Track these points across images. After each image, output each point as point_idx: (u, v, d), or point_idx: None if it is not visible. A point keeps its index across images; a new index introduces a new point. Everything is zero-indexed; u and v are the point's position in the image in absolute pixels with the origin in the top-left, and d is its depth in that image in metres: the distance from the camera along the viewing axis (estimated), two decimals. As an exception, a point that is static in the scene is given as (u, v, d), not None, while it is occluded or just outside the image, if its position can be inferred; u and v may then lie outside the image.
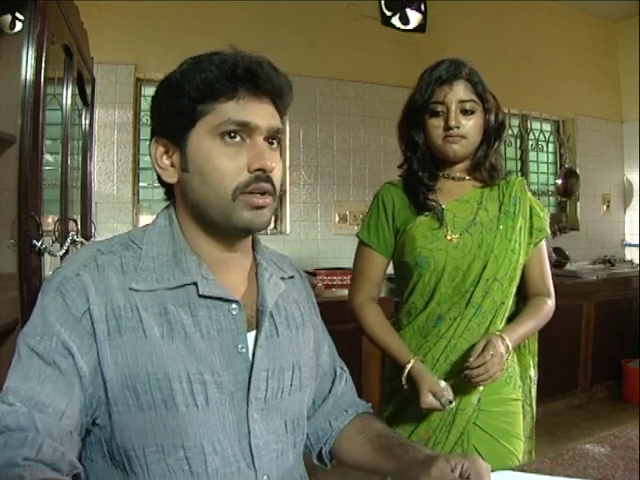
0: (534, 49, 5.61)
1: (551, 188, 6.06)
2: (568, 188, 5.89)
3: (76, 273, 1.01)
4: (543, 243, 1.89)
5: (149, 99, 3.66)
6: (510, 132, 5.74)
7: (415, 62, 4.94)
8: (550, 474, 1.29)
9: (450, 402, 1.61)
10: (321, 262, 4.38)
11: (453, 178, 1.84)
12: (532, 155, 5.99)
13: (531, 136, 5.92)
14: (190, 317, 1.04)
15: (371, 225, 1.92)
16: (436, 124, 1.77)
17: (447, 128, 1.73)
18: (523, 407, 1.93)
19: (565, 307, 4.76)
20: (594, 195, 6.09)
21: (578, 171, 5.95)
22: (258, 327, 1.13)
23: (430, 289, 1.78)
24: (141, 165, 4.29)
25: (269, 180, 1.06)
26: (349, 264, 4.49)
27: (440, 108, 1.76)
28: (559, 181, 5.92)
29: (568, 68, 5.86)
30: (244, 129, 1.04)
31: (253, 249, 1.22)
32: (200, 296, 1.06)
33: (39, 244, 1.88)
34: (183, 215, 1.12)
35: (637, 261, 5.91)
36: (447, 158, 1.79)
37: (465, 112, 1.75)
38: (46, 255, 2.00)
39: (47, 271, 2.08)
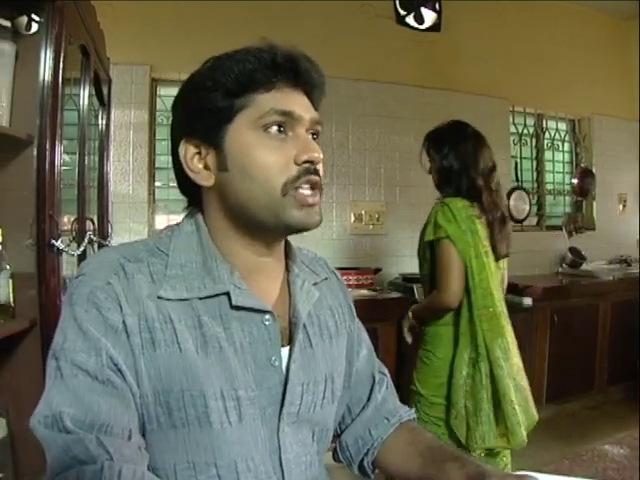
0: (549, 48, 5.58)
1: (567, 187, 6.03)
2: (584, 187, 5.85)
3: (107, 282, 0.94)
4: None
5: (165, 99, 3.65)
6: (526, 131, 5.72)
7: (430, 61, 4.95)
8: (569, 475, 1.28)
9: None
10: (336, 262, 4.33)
11: None
12: (548, 154, 5.95)
13: (547, 135, 5.89)
14: (223, 330, 0.98)
15: None
16: None
17: None
18: None
19: (581, 307, 4.75)
20: (610, 194, 6.05)
21: (594, 170, 5.91)
22: (291, 339, 1.07)
23: None
24: (157, 165, 4.31)
25: (317, 172, 1.00)
26: (365, 264, 4.54)
27: None
28: (575, 180, 5.89)
29: (584, 67, 5.82)
30: (287, 120, 0.99)
31: (285, 253, 1.16)
32: (233, 307, 1.00)
33: (57, 244, 1.89)
34: (215, 219, 1.05)
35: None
36: None
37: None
38: (63, 254, 2.01)
39: (64, 270, 2.09)
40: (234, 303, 0.99)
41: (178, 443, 0.95)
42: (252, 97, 0.97)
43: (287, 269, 1.15)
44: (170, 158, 1.11)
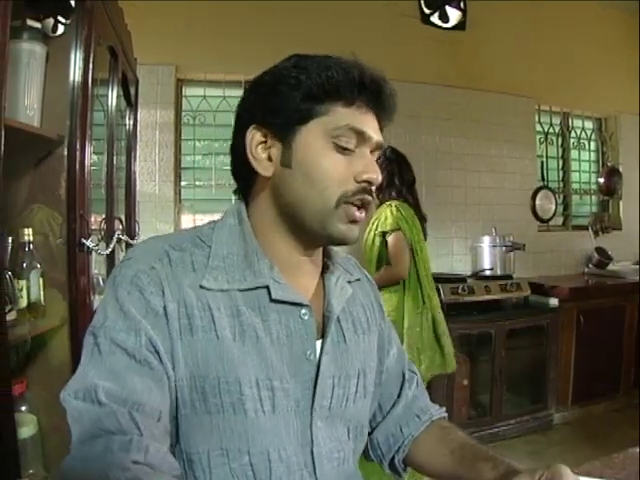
0: (575, 46, 5.54)
1: (593, 187, 5.97)
2: (610, 187, 5.80)
3: (151, 266, 0.97)
4: None
5: (190, 99, 3.69)
6: (552, 130, 5.67)
7: (455, 60, 4.93)
8: (601, 477, 1.27)
9: None
10: (362, 262, 4.31)
11: None
12: (574, 153, 5.89)
13: (573, 134, 5.83)
14: (261, 321, 1.00)
15: None
16: None
17: None
18: None
19: (607, 308, 4.71)
20: (637, 194, 5.96)
21: (621, 169, 5.85)
22: (325, 333, 1.09)
23: None
24: (183, 165, 4.33)
25: (372, 193, 1.04)
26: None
27: None
28: (601, 180, 5.83)
29: (610, 65, 5.77)
30: (358, 138, 1.02)
31: (323, 252, 1.18)
32: (272, 300, 1.02)
33: (88, 243, 1.91)
34: (260, 214, 1.08)
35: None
36: None
37: None
38: (92, 254, 2.03)
39: (93, 269, 2.11)
40: (273, 296, 1.01)
41: (212, 429, 0.96)
42: (332, 107, 1.00)
43: (323, 266, 1.17)
44: (231, 142, 1.12)
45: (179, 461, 0.96)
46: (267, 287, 1.02)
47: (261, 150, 1.04)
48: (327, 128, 1.00)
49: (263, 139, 1.04)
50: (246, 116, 1.07)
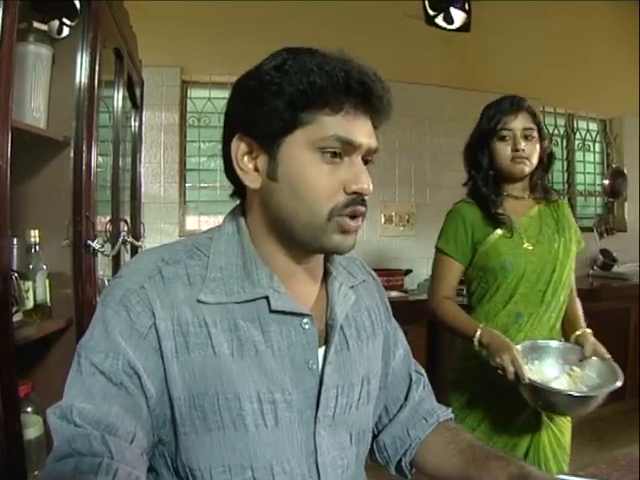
0: (579, 48, 5.52)
1: (598, 188, 5.95)
2: (615, 188, 5.77)
3: (141, 285, 0.94)
4: None
5: (195, 101, 3.67)
6: (556, 132, 5.67)
7: (460, 62, 4.92)
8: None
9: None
10: (367, 263, 4.28)
11: (516, 197, 2.16)
12: (579, 155, 5.90)
13: (577, 135, 5.83)
14: (260, 333, 0.98)
15: (452, 238, 2.16)
16: (504, 148, 2.09)
17: (514, 150, 2.07)
18: None
19: (612, 310, 4.68)
20: (642, 195, 5.97)
21: (625, 171, 5.82)
22: (327, 342, 1.06)
23: (511, 289, 2.08)
24: (187, 166, 4.35)
25: (364, 203, 0.98)
26: (395, 265, 4.54)
27: (507, 134, 2.08)
28: (606, 181, 5.81)
29: (615, 66, 5.75)
30: (347, 147, 0.95)
31: (324, 256, 1.13)
32: (272, 311, 0.99)
33: (93, 244, 1.91)
34: (256, 223, 1.03)
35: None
36: (514, 176, 2.11)
37: (527, 137, 2.08)
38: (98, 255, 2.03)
39: (98, 271, 2.11)
40: (273, 307, 0.99)
41: (213, 446, 0.95)
42: (317, 116, 0.93)
43: (325, 271, 1.14)
44: (221, 147, 1.06)
45: (182, 474, 0.96)
46: (266, 297, 0.99)
47: (247, 160, 1.00)
48: (313, 138, 0.93)
49: (248, 149, 0.99)
50: (231, 123, 1.03)
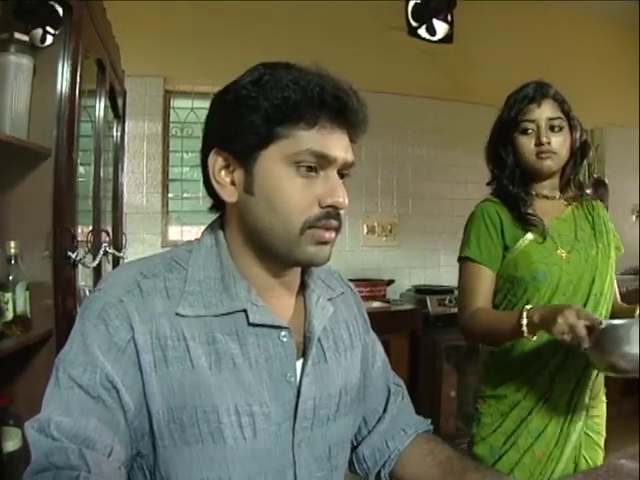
0: (561, 59, 5.56)
1: (579, 198, 5.96)
2: (597, 198, 5.80)
3: (119, 299, 0.94)
4: None
5: (178, 111, 3.67)
6: (538, 142, 5.69)
7: (442, 73, 4.95)
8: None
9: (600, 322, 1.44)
10: (349, 274, 4.27)
11: (546, 197, 1.89)
12: (560, 165, 5.90)
13: (559, 146, 5.83)
14: (238, 346, 0.98)
15: (481, 242, 1.86)
16: (527, 141, 1.83)
17: (538, 144, 1.80)
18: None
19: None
20: (623, 205, 6.00)
21: (607, 181, 5.87)
22: (305, 354, 1.06)
23: (544, 304, 1.74)
24: (170, 176, 4.33)
25: (338, 217, 0.99)
26: (377, 275, 4.54)
27: (530, 126, 1.83)
28: (588, 191, 5.81)
29: (596, 77, 5.80)
30: (322, 161, 0.96)
31: (302, 269, 1.13)
32: (250, 324, 0.99)
33: (74, 256, 1.90)
34: (234, 237, 1.04)
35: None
36: (540, 173, 1.85)
37: (553, 129, 1.82)
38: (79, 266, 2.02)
39: (79, 282, 2.11)
40: (251, 320, 0.99)
41: (192, 459, 0.95)
42: (292, 130, 0.94)
43: (303, 283, 1.14)
44: (200, 160, 1.07)
45: None
46: (244, 311, 0.99)
47: (224, 174, 1.01)
48: (288, 152, 0.94)
49: (225, 163, 1.00)
50: (209, 137, 1.04)
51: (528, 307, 1.59)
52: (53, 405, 0.90)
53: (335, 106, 0.95)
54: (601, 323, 1.43)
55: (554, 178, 1.89)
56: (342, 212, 1.00)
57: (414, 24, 4.88)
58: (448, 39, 4.99)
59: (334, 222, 0.99)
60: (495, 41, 5.14)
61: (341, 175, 1.02)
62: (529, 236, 1.81)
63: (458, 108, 4.99)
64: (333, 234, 1.00)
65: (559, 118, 1.84)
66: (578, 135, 1.89)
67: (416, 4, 4.88)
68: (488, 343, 1.89)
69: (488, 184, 1.98)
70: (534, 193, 1.88)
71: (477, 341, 1.91)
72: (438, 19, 4.91)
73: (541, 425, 1.74)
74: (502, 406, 1.83)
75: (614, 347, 1.44)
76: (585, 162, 1.94)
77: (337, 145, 0.97)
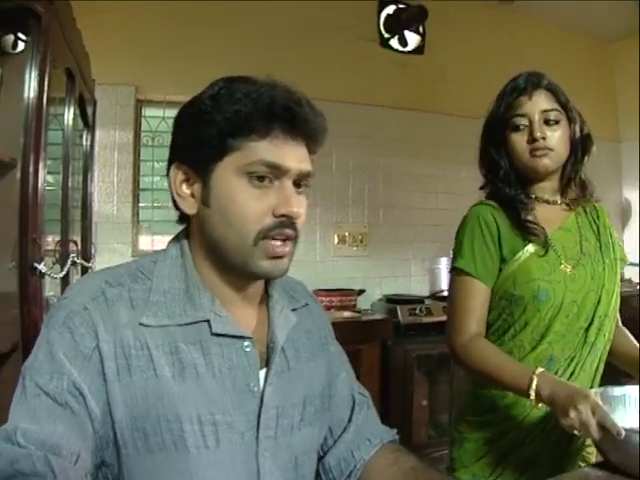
0: (532, 70, 5.63)
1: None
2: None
3: (84, 307, 0.95)
4: None
5: (149, 120, 3.65)
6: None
7: (413, 84, 4.99)
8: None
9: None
10: (320, 283, 4.34)
11: (547, 202, 1.69)
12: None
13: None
14: (202, 356, 0.99)
15: (476, 252, 1.64)
16: (519, 139, 1.65)
17: (532, 141, 1.62)
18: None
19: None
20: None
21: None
22: (268, 363, 1.08)
23: (544, 326, 1.58)
24: (141, 186, 4.30)
25: (293, 226, 1.00)
26: (348, 285, 4.55)
27: (522, 121, 1.65)
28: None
29: (567, 89, 5.83)
30: (275, 171, 0.98)
31: (265, 280, 1.15)
32: (213, 334, 1.01)
33: (40, 267, 1.89)
34: (197, 249, 1.06)
35: (636, 280, 5.87)
36: (537, 173, 1.65)
37: (549, 123, 1.64)
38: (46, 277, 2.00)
39: (47, 292, 2.09)
40: (214, 330, 1.01)
41: (155, 468, 0.95)
42: (244, 142, 0.97)
43: (267, 294, 1.16)
44: (166, 174, 1.08)
45: None
46: (208, 321, 1.01)
47: (185, 187, 1.03)
48: (240, 164, 0.97)
49: (185, 176, 1.03)
50: (171, 151, 1.07)
51: (538, 372, 1.41)
52: (20, 413, 0.90)
53: (286, 117, 0.97)
54: (618, 431, 1.21)
55: (553, 179, 1.69)
56: (298, 222, 1.02)
57: (386, 35, 4.93)
58: (419, 50, 5.04)
59: (288, 231, 1.00)
60: (466, 52, 5.19)
61: (299, 185, 1.03)
62: (530, 248, 1.61)
63: (429, 119, 5.02)
64: (287, 247, 1.02)
65: (554, 110, 1.66)
66: (578, 128, 1.71)
67: (388, 15, 4.94)
68: (484, 381, 1.65)
69: (481, 188, 1.80)
70: (533, 197, 1.69)
71: (471, 372, 1.66)
72: (410, 30, 4.97)
73: (532, 457, 1.59)
74: (489, 434, 1.66)
75: (623, 459, 1.26)
76: (587, 158, 1.72)
77: (291, 155, 0.99)
